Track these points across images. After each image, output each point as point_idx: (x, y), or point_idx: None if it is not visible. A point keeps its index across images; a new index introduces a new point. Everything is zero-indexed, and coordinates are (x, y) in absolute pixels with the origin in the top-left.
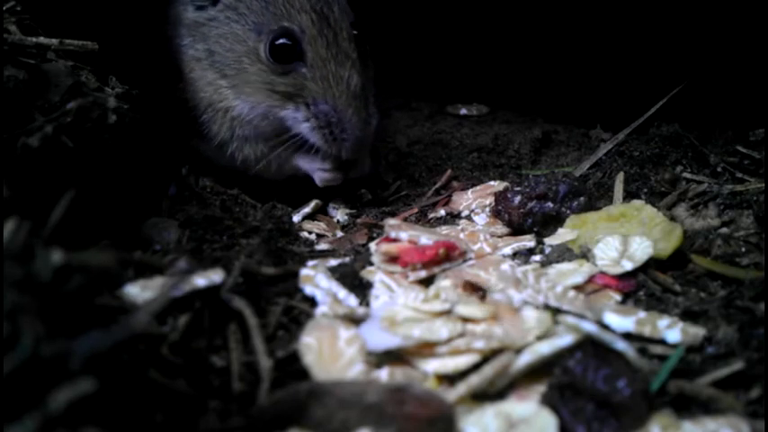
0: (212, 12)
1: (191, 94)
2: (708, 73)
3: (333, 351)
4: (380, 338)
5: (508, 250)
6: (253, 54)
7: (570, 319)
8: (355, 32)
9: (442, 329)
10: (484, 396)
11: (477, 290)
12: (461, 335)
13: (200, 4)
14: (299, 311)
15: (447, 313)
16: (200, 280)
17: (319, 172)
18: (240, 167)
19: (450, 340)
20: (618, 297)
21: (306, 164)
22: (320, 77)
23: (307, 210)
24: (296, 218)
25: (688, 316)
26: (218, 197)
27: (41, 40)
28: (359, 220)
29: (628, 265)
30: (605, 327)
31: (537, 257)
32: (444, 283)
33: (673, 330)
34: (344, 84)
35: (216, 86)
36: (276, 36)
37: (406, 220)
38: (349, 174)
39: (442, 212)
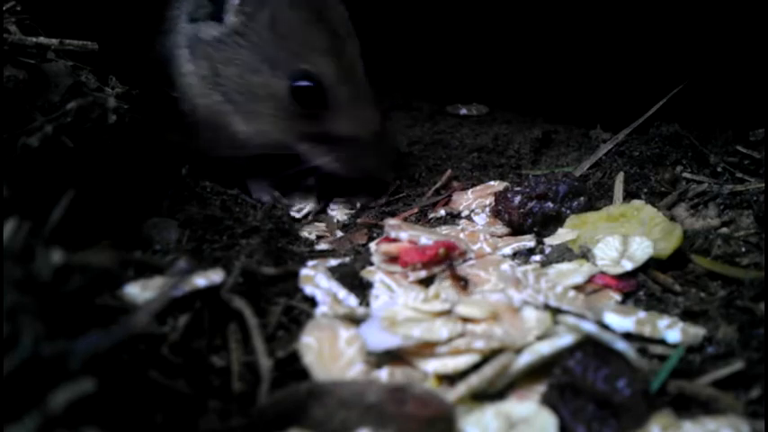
0: (215, 32)
1: (188, 107)
2: (708, 73)
3: (333, 351)
4: (380, 338)
5: (508, 250)
6: (269, 89)
7: (570, 319)
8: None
9: (442, 329)
10: (484, 396)
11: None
12: (461, 335)
13: (194, 17)
14: (299, 311)
15: (447, 313)
16: (200, 280)
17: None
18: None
19: (450, 340)
20: (618, 297)
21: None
22: (345, 118)
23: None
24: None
25: (688, 316)
26: (218, 197)
27: (41, 40)
28: (359, 220)
29: (628, 265)
30: (605, 327)
31: (537, 257)
32: (444, 283)
33: (673, 330)
34: (368, 120)
35: (221, 110)
36: (297, 78)
37: (406, 220)
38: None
39: (442, 212)
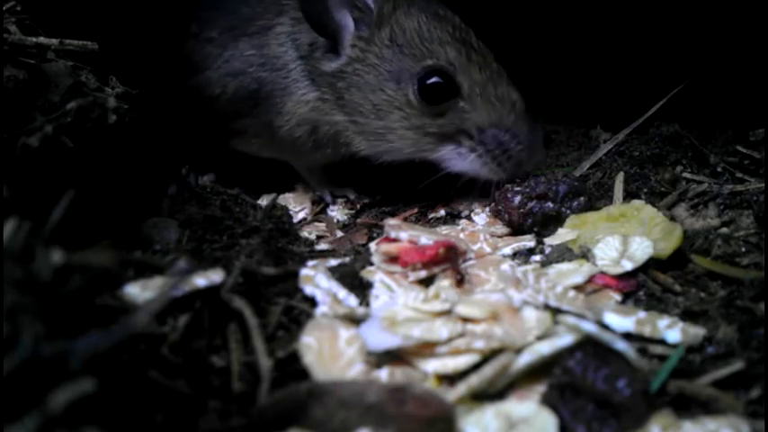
0: (335, 65)
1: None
2: (708, 73)
3: (333, 351)
4: (380, 338)
5: (508, 250)
6: (395, 103)
7: (570, 319)
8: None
9: (442, 329)
10: (484, 396)
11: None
12: (461, 335)
13: (304, 56)
14: (299, 311)
15: (447, 313)
16: (200, 280)
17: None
18: None
19: (450, 340)
20: (618, 297)
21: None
22: (483, 104)
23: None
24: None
25: (688, 316)
26: (218, 197)
27: (41, 40)
28: (359, 220)
29: (628, 265)
30: (605, 327)
31: (537, 257)
32: (444, 283)
33: (673, 330)
34: (509, 102)
35: (342, 127)
36: (424, 77)
37: (406, 220)
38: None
39: (442, 212)
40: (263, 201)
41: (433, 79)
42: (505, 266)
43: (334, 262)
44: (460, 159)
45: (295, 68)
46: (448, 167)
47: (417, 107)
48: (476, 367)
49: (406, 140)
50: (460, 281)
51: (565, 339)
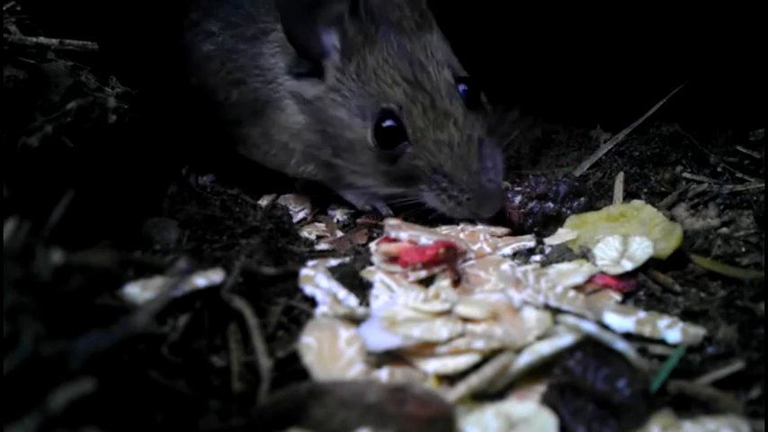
0: (316, 90)
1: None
2: (708, 73)
3: (333, 351)
4: (380, 338)
5: (508, 250)
6: (363, 142)
7: (570, 319)
8: (465, 75)
9: (442, 329)
10: (484, 396)
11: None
12: (461, 335)
13: (297, 72)
14: (299, 311)
15: (447, 313)
16: (200, 280)
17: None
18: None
19: (450, 340)
20: (618, 297)
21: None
22: (424, 150)
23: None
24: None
25: (688, 316)
26: (218, 197)
27: (41, 40)
28: (359, 220)
29: (628, 265)
30: (605, 327)
31: (537, 257)
32: (444, 283)
33: (673, 330)
34: (447, 149)
35: (333, 162)
36: (379, 120)
37: (406, 219)
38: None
39: None
40: (263, 201)
41: (388, 123)
42: (505, 266)
43: (334, 262)
44: (425, 198)
45: (284, 84)
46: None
47: (376, 152)
48: (476, 367)
49: (378, 181)
50: (457, 281)
51: (565, 339)
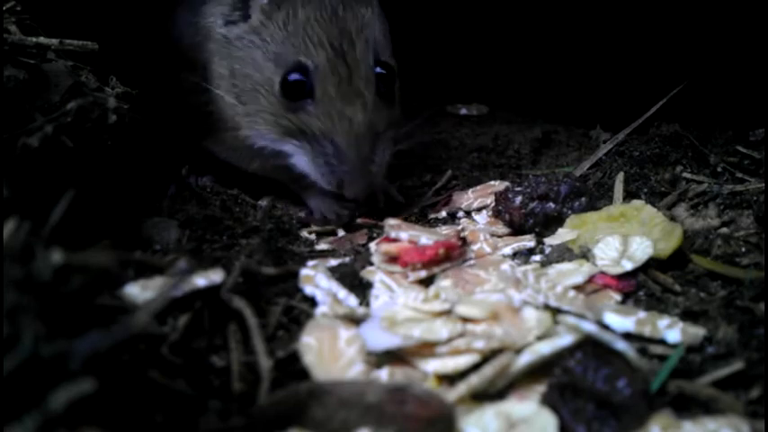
0: (239, 30)
1: (215, 109)
2: (708, 73)
3: (333, 351)
4: (380, 338)
5: (508, 250)
6: (268, 85)
7: (570, 319)
8: (382, 71)
9: (442, 329)
10: (484, 396)
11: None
12: (461, 335)
13: (229, 20)
14: (299, 311)
15: (447, 313)
16: (200, 280)
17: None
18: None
19: (450, 340)
20: (618, 297)
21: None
22: (324, 115)
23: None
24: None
25: (688, 316)
26: (218, 197)
27: (41, 40)
28: (359, 220)
29: (628, 265)
30: (605, 327)
31: (537, 257)
32: (444, 283)
33: (673, 330)
34: (347, 123)
35: (233, 112)
36: (289, 71)
37: (406, 220)
38: (357, 213)
39: (443, 212)
40: (263, 201)
41: (295, 76)
42: (506, 266)
43: (334, 262)
44: (299, 156)
45: (218, 31)
46: (292, 162)
47: (277, 97)
48: (476, 367)
49: (268, 126)
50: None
51: (565, 339)
